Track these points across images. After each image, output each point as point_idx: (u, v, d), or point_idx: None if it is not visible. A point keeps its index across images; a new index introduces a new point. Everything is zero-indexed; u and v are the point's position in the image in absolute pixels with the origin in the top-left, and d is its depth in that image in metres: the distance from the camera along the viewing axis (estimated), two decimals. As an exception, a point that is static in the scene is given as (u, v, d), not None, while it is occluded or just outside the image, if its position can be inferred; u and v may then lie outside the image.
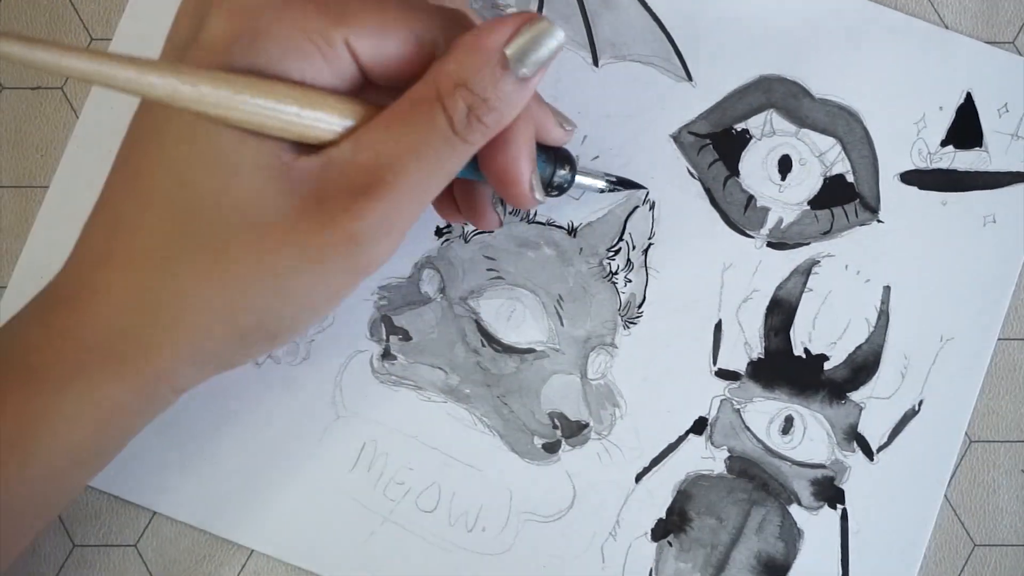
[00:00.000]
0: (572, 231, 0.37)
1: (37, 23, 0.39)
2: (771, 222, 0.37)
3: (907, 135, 0.37)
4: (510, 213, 0.37)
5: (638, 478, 0.36)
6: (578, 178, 0.33)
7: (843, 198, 0.37)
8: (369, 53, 0.27)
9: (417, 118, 0.27)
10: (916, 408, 0.36)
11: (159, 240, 0.27)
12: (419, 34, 0.27)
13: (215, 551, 0.36)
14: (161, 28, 0.37)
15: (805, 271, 0.36)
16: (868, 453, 0.36)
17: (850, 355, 0.36)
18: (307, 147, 0.27)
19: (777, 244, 0.37)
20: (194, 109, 0.25)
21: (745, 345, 0.36)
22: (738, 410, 0.36)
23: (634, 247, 0.37)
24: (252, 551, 0.36)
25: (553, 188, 0.33)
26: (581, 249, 0.37)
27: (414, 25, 0.27)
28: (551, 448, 0.36)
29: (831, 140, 0.37)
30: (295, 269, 0.27)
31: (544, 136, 0.31)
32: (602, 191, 0.36)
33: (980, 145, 0.37)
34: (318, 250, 0.26)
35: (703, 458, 0.36)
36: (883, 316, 0.36)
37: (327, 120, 0.27)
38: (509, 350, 0.36)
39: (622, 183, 0.36)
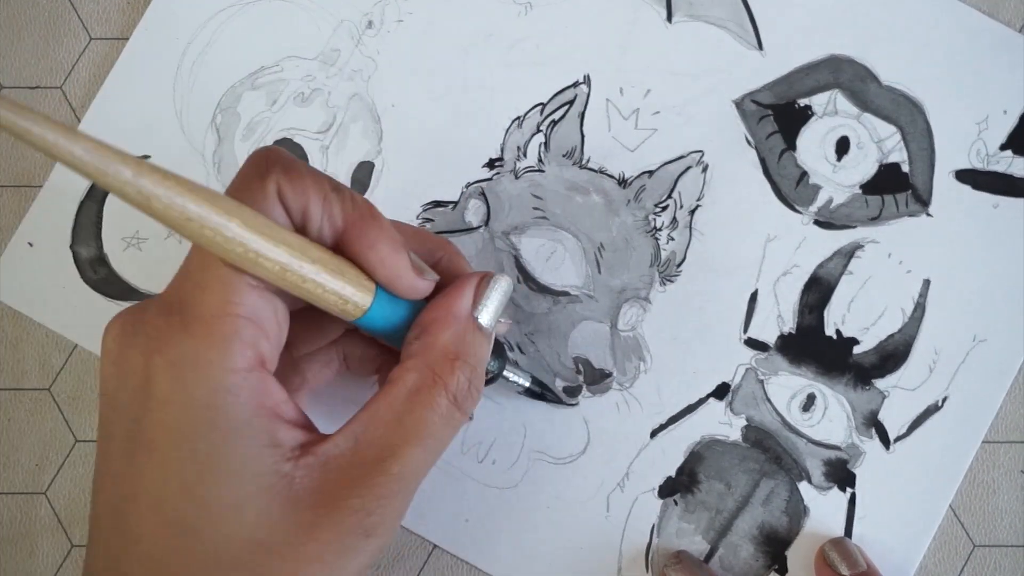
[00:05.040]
0: (623, 182, 0.37)
1: (37, 23, 0.38)
2: (821, 200, 0.37)
3: (968, 134, 0.37)
4: (563, 156, 0.37)
5: (653, 434, 0.36)
6: (506, 373, 0.33)
7: (896, 187, 0.37)
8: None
9: (417, 406, 0.26)
10: (939, 404, 0.36)
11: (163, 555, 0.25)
12: None
13: (227, 447, 0.36)
14: (170, 40, 0.37)
15: (848, 253, 0.36)
16: (885, 441, 0.36)
17: (881, 342, 0.36)
18: (300, 453, 0.26)
19: (824, 223, 0.37)
20: (239, 252, 0.23)
21: (778, 318, 0.36)
22: (762, 381, 0.36)
23: (682, 206, 0.37)
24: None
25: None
26: (629, 201, 0.37)
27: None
28: (571, 392, 0.36)
29: (892, 128, 0.37)
30: None
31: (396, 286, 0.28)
32: (520, 392, 0.35)
33: (1038, 155, 0.37)
34: (336, 555, 0.25)
35: (720, 423, 0.36)
36: (919, 308, 0.36)
37: (355, 295, 0.26)
38: (544, 290, 0.36)
39: (544, 393, 0.35)
